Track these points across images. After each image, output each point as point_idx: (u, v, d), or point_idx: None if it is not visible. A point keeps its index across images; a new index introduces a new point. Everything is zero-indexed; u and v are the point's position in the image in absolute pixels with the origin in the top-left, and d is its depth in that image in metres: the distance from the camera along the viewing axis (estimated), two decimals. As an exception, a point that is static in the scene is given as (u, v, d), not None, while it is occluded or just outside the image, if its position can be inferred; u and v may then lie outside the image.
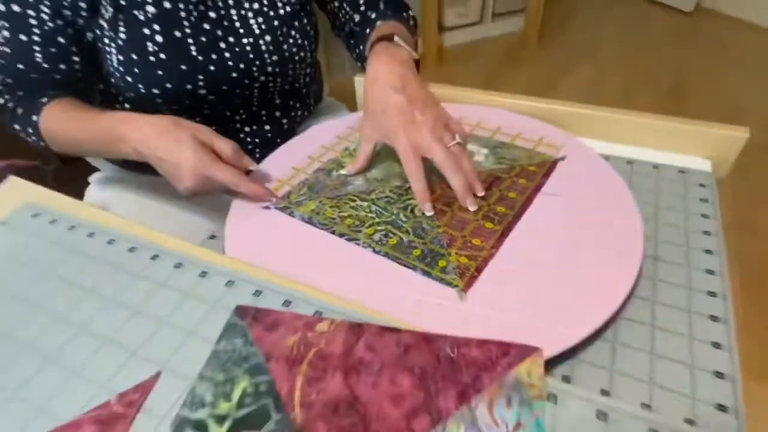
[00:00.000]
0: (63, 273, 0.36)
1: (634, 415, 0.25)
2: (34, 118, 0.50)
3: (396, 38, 0.50)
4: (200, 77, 0.51)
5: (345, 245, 0.40)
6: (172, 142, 0.42)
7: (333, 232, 0.41)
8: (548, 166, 0.47)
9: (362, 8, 0.60)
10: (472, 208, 0.42)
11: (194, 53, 0.50)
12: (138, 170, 0.64)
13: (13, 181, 0.47)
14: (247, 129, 0.61)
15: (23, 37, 0.48)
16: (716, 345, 0.33)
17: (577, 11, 2.76)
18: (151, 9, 0.47)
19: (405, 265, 0.37)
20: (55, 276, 0.35)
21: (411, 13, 0.62)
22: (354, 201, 0.45)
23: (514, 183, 0.45)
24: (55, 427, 0.26)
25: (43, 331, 0.31)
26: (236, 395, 0.26)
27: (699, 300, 0.36)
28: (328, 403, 0.25)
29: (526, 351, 0.27)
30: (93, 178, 0.69)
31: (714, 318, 0.35)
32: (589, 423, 0.24)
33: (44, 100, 0.50)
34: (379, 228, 0.41)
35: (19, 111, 0.51)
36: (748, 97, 1.92)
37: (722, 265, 0.39)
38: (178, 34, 0.48)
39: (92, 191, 0.64)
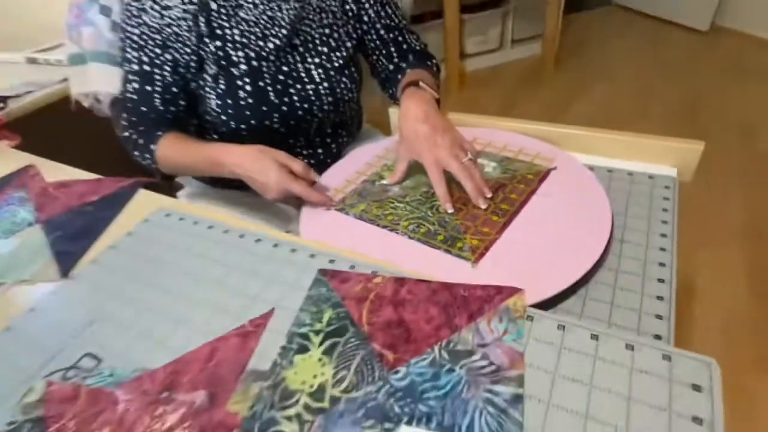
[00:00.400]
0: (195, 251, 0.51)
1: (582, 326, 0.38)
2: (152, 147, 0.67)
3: (421, 83, 0.65)
4: (275, 115, 0.68)
5: (388, 234, 0.55)
6: (260, 165, 0.59)
7: (378, 225, 0.56)
8: (543, 175, 0.61)
9: (395, 59, 0.77)
10: (482, 206, 0.56)
11: (272, 98, 0.67)
12: (218, 186, 0.81)
13: (144, 192, 0.64)
14: (305, 152, 0.77)
15: (148, 88, 0.66)
16: (660, 300, 0.45)
17: (592, 34, 2.89)
18: (243, 67, 0.65)
19: (432, 247, 0.52)
20: (189, 253, 0.51)
21: (435, 61, 0.78)
22: (393, 203, 0.60)
23: (515, 187, 0.59)
24: (208, 342, 0.41)
25: (192, 286, 0.47)
26: (325, 319, 0.41)
27: (651, 270, 0.48)
28: (383, 323, 0.40)
29: (514, 291, 0.41)
30: (181, 193, 0.86)
31: (660, 280, 0.47)
32: (552, 332, 0.38)
33: (159, 133, 0.68)
34: (413, 221, 0.56)
35: (140, 141, 0.68)
36: (760, 113, 1.99)
37: (673, 244, 0.51)
38: (261, 84, 0.66)
39: (182, 202, 0.82)
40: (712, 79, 2.28)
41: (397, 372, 0.36)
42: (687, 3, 2.74)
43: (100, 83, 0.87)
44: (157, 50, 0.64)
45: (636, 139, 0.64)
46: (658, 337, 0.42)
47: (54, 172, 0.72)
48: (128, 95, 0.67)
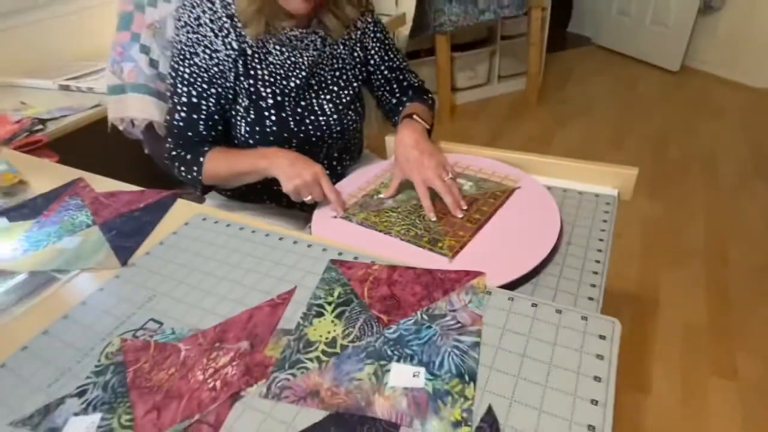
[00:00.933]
0: (230, 247, 0.64)
1: (525, 298, 0.51)
2: (201, 159, 0.80)
3: (415, 116, 0.81)
4: (294, 141, 0.82)
5: (384, 236, 0.68)
6: (303, 161, 0.74)
7: (376, 230, 0.70)
8: (509, 192, 0.76)
9: (397, 94, 0.93)
10: (459, 216, 0.70)
11: (292, 127, 0.81)
12: (238, 199, 0.95)
13: (181, 201, 0.77)
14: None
15: (194, 116, 0.80)
16: (593, 287, 0.59)
17: (573, 72, 3.12)
18: (270, 101, 0.79)
19: (418, 246, 0.65)
20: (225, 248, 0.64)
21: (430, 95, 0.94)
22: (388, 213, 0.73)
23: (486, 201, 0.74)
24: (246, 309, 0.54)
25: (230, 271, 0.60)
26: (335, 294, 0.54)
27: (589, 265, 0.62)
28: (380, 297, 0.53)
29: (477, 274, 0.54)
30: (205, 204, 1.00)
31: (595, 272, 0.61)
32: (504, 302, 0.51)
33: (205, 149, 0.81)
34: (403, 227, 0.70)
35: (188, 157, 0.81)
36: (721, 145, 2.18)
37: (607, 248, 0.65)
38: (283, 115, 0.80)
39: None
40: (680, 114, 2.48)
41: (389, 328, 0.49)
42: (659, 45, 2.98)
43: (136, 111, 1.01)
44: (204, 85, 0.78)
45: (585, 165, 0.79)
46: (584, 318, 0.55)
47: (95, 183, 0.85)
48: (176, 122, 0.80)
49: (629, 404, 1.17)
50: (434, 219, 0.70)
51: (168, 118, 0.82)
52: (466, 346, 0.46)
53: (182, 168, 0.82)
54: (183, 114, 0.80)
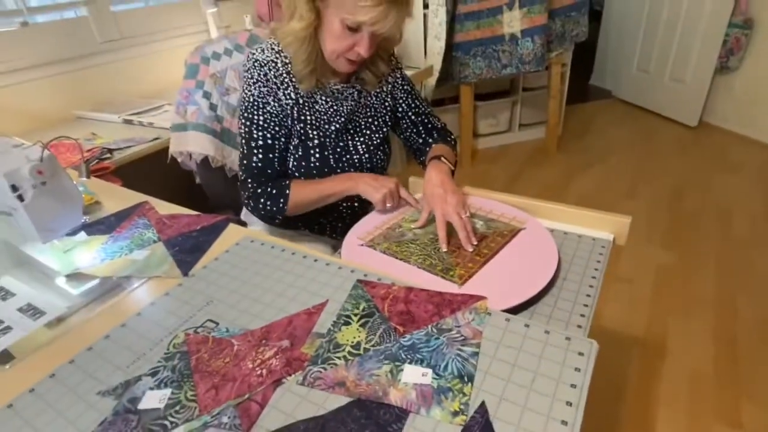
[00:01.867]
0: (273, 265, 0.76)
1: (519, 319, 0.61)
2: (287, 191, 0.94)
3: (442, 158, 0.95)
4: (331, 175, 0.96)
5: (403, 264, 0.79)
6: (382, 176, 0.94)
7: (396, 258, 0.81)
8: (515, 232, 0.86)
9: (423, 136, 1.08)
10: (469, 249, 0.81)
11: (332, 163, 0.96)
12: (278, 226, 1.08)
13: (232, 226, 0.90)
14: (345, 204, 1.04)
15: (270, 155, 0.95)
16: (582, 317, 0.68)
17: (592, 123, 3.24)
18: (315, 141, 0.94)
19: (433, 273, 0.76)
20: (269, 266, 0.76)
21: (453, 137, 1.09)
22: (407, 244, 0.85)
23: (495, 239, 0.84)
24: (287, 316, 0.65)
25: (273, 285, 0.71)
26: (361, 307, 0.65)
27: (580, 298, 0.71)
28: (397, 312, 0.63)
29: (480, 298, 0.64)
30: (250, 228, 1.13)
31: (585, 305, 0.70)
32: (501, 321, 0.61)
33: (286, 182, 0.96)
34: (420, 256, 0.81)
35: (274, 192, 0.95)
36: (736, 199, 2.23)
37: (598, 284, 0.74)
38: (325, 153, 0.95)
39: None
40: (696, 168, 2.55)
41: (404, 337, 0.59)
42: (678, 100, 3.09)
43: (195, 146, 1.17)
44: (276, 128, 0.93)
45: (585, 212, 0.89)
46: (568, 339, 0.64)
47: (158, 206, 0.99)
48: (254, 164, 0.95)
49: (632, 444, 1.21)
50: (445, 249, 0.81)
51: (245, 162, 0.95)
52: (467, 355, 0.56)
53: (268, 202, 0.95)
54: (261, 155, 0.94)
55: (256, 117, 0.93)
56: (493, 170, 2.71)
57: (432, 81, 2.40)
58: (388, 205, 0.91)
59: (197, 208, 0.99)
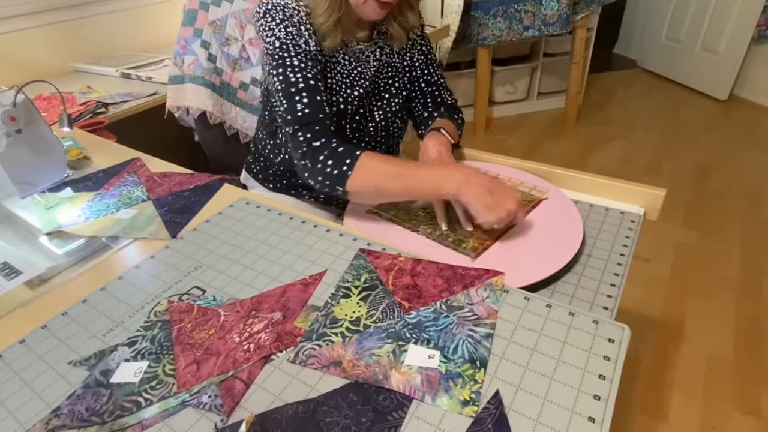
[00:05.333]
0: (269, 230, 0.70)
1: (540, 298, 0.54)
2: (357, 154, 0.71)
3: (442, 130, 0.84)
4: (353, 140, 0.87)
5: (410, 233, 0.72)
6: (500, 188, 0.67)
7: (403, 227, 0.74)
8: (536, 202, 0.78)
9: (430, 109, 0.96)
10: (469, 229, 0.71)
11: (348, 133, 0.85)
12: (284, 191, 0.99)
13: (228, 186, 0.83)
14: None
15: (317, 97, 0.75)
16: (609, 298, 0.61)
17: (615, 94, 3.08)
18: (334, 108, 0.81)
19: (443, 245, 0.69)
20: (265, 231, 0.70)
21: (461, 115, 0.97)
22: (416, 212, 0.77)
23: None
24: (281, 285, 0.58)
25: (268, 252, 0.65)
26: (362, 279, 0.58)
27: (607, 277, 0.64)
28: (403, 285, 0.57)
29: (496, 273, 0.57)
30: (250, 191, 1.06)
31: (612, 285, 0.63)
32: (520, 300, 0.54)
33: (357, 146, 0.78)
34: (429, 226, 0.73)
35: (341, 149, 0.72)
36: (765, 178, 2.11)
37: (627, 262, 0.67)
38: (342, 123, 0.83)
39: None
40: (725, 145, 2.42)
41: (410, 314, 0.53)
42: (708, 72, 2.91)
43: (193, 100, 1.10)
44: (316, 69, 0.76)
45: (613, 182, 0.80)
46: (606, 308, 0.57)
47: (150, 163, 0.92)
48: (300, 111, 0.74)
49: (642, 428, 1.16)
50: (445, 228, 0.73)
51: (289, 115, 0.75)
52: (480, 336, 0.49)
53: (329, 161, 0.71)
54: (306, 99, 0.75)
55: (289, 60, 0.75)
56: (509, 140, 2.59)
57: (448, 42, 2.27)
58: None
59: (197, 167, 0.92)
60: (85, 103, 1.31)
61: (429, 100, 0.97)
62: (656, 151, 2.40)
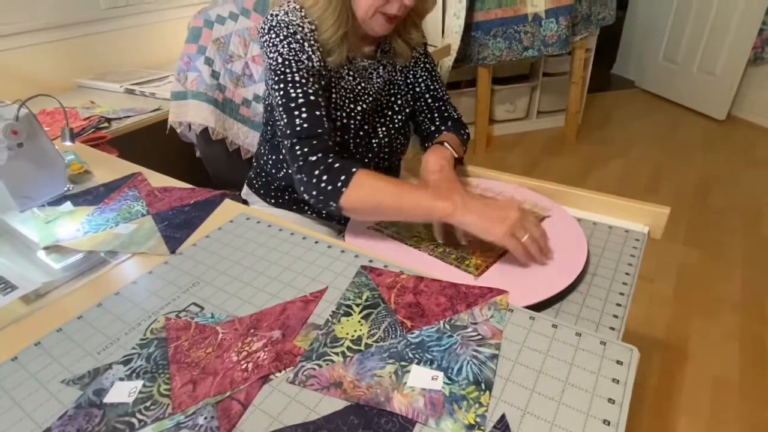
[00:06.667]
0: (269, 246, 0.69)
1: (546, 318, 0.53)
2: (353, 171, 0.70)
3: (446, 144, 0.84)
4: (357, 156, 0.87)
5: (413, 250, 0.71)
6: (495, 203, 0.68)
7: (405, 243, 0.73)
8: (539, 220, 0.77)
9: (437, 123, 0.96)
10: (462, 243, 0.71)
11: (351, 148, 0.85)
12: (285, 207, 0.99)
13: (228, 201, 0.83)
14: None
15: (317, 112, 0.75)
16: (615, 318, 0.60)
17: (614, 113, 3.10)
18: (338, 123, 0.82)
19: (446, 262, 0.68)
20: (265, 247, 0.69)
21: (466, 130, 0.96)
22: (418, 228, 0.77)
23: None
24: (280, 303, 0.57)
25: (268, 268, 0.64)
26: (363, 297, 0.57)
27: (612, 296, 0.63)
28: (405, 303, 0.56)
29: (501, 291, 0.56)
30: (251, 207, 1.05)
31: (618, 304, 0.62)
32: (525, 320, 0.53)
33: (354, 163, 0.72)
34: (432, 243, 0.72)
35: (336, 165, 0.71)
36: (765, 197, 2.11)
37: (632, 282, 0.66)
38: (346, 137, 0.83)
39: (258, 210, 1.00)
40: (723, 164, 2.42)
41: (412, 333, 0.52)
42: (705, 93, 2.94)
43: (195, 116, 1.10)
44: (316, 85, 0.76)
45: (617, 200, 0.80)
46: (612, 328, 0.56)
47: (151, 178, 0.92)
48: (299, 126, 0.74)
49: (649, 453, 1.13)
50: (441, 241, 0.72)
51: (288, 130, 0.75)
52: (484, 357, 0.48)
53: (324, 176, 0.71)
54: (305, 114, 0.74)
55: (290, 75, 0.75)
56: (509, 158, 2.60)
57: (449, 62, 2.29)
58: (523, 239, 0.65)
59: (198, 182, 0.91)
60: (88, 118, 1.32)
61: (436, 114, 0.97)
62: (655, 170, 2.41)
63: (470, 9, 2.20)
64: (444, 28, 2.25)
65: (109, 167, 0.99)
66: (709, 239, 1.88)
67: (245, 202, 1.05)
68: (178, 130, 1.15)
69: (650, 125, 2.93)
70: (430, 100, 0.97)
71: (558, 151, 2.65)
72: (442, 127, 0.96)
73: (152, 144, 1.33)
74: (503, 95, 2.73)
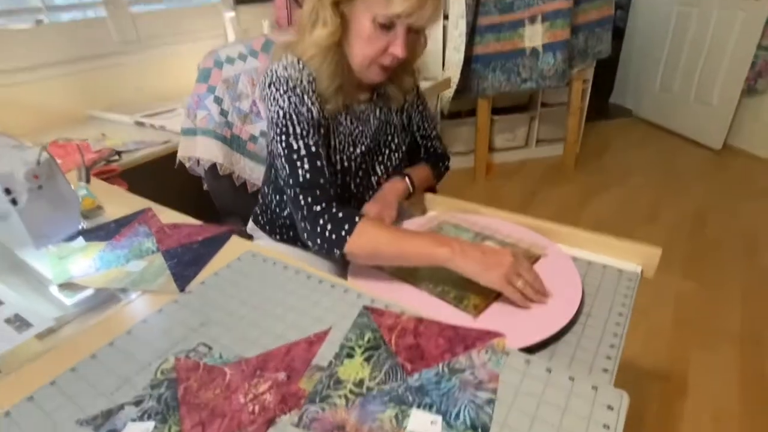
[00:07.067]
0: (275, 284, 0.72)
1: (541, 362, 0.55)
2: (356, 218, 0.74)
3: (406, 177, 0.94)
4: (351, 200, 0.91)
5: (413, 289, 0.74)
6: (492, 250, 0.70)
7: (406, 282, 0.76)
8: (535, 259, 0.80)
9: (421, 156, 1.05)
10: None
11: (352, 188, 0.90)
12: (290, 243, 1.02)
13: (235, 238, 0.86)
14: None
15: (318, 163, 0.79)
16: (608, 359, 0.62)
17: (612, 142, 3.16)
18: (338, 166, 0.87)
19: (445, 301, 0.71)
20: (271, 285, 0.72)
21: (446, 163, 1.05)
22: (418, 268, 0.79)
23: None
24: (286, 343, 0.60)
25: (274, 308, 0.66)
26: (366, 338, 0.59)
27: (606, 338, 0.65)
28: (406, 345, 0.58)
29: (498, 334, 0.59)
30: (255, 242, 1.08)
31: (612, 346, 0.64)
32: (520, 364, 0.55)
33: (356, 212, 0.77)
34: (432, 281, 0.75)
35: (340, 214, 0.75)
36: (762, 227, 2.14)
37: (625, 323, 0.68)
38: (347, 179, 0.88)
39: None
40: (720, 193, 2.46)
41: (412, 376, 0.54)
42: (702, 123, 3.00)
43: (204, 152, 1.14)
44: (316, 136, 0.80)
45: (611, 240, 0.83)
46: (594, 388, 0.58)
47: (161, 214, 0.95)
48: (302, 176, 0.78)
49: (650, 489, 1.13)
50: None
51: (291, 180, 0.79)
52: (481, 401, 0.50)
53: (329, 225, 0.75)
54: (307, 165, 0.79)
55: (292, 128, 0.80)
56: (508, 186, 2.64)
57: (449, 93, 2.36)
58: (518, 284, 0.68)
59: (205, 213, 0.95)
60: (99, 151, 1.36)
61: (423, 150, 1.06)
62: (654, 199, 2.44)
63: (470, 43, 2.28)
64: (444, 61, 2.33)
65: (119, 202, 1.02)
66: (707, 270, 1.90)
67: (251, 237, 1.08)
68: (187, 165, 1.19)
69: (648, 154, 2.98)
70: (419, 138, 1.05)
71: (557, 179, 2.70)
72: (422, 161, 1.05)
73: (161, 176, 1.37)
74: (503, 125, 2.79)
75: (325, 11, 0.78)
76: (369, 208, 0.91)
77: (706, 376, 1.43)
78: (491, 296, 0.71)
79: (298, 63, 0.82)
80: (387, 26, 0.77)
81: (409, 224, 0.94)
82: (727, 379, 1.41)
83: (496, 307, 0.69)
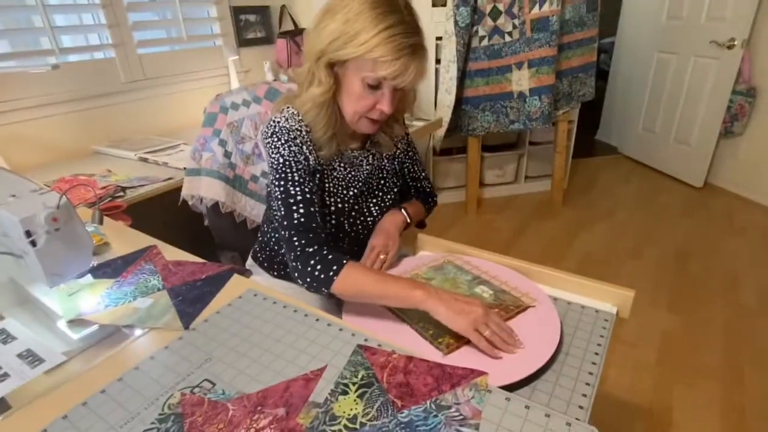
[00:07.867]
0: (274, 322, 0.76)
1: (520, 400, 0.60)
2: (344, 261, 0.81)
3: (402, 209, 1.02)
4: (346, 239, 0.97)
5: (402, 325, 0.79)
6: (464, 298, 0.76)
7: (397, 315, 0.81)
8: (522, 309, 0.85)
9: (411, 194, 1.13)
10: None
11: (346, 227, 0.96)
12: (288, 279, 1.07)
13: (236, 277, 0.91)
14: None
15: (312, 209, 0.87)
16: (584, 397, 0.67)
17: (598, 178, 3.27)
18: (332, 208, 0.94)
19: (422, 336, 0.76)
20: (271, 323, 0.76)
21: (434, 199, 1.16)
22: (410, 306, 0.85)
23: (499, 313, 0.84)
24: (284, 380, 0.64)
25: (273, 345, 0.71)
26: (359, 375, 0.64)
27: (582, 375, 0.70)
28: (396, 383, 0.63)
29: (481, 373, 0.64)
30: (253, 278, 1.13)
31: (587, 384, 0.69)
32: (501, 401, 0.60)
33: (344, 255, 0.83)
34: (417, 315, 0.80)
35: (330, 257, 0.82)
36: (743, 264, 2.22)
37: (600, 361, 0.73)
38: (341, 219, 0.95)
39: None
40: (702, 230, 2.55)
41: (402, 413, 0.58)
42: (683, 161, 3.13)
43: (208, 191, 1.20)
44: (312, 184, 0.88)
45: (588, 282, 0.89)
46: (568, 424, 0.63)
47: (165, 251, 1.00)
48: (297, 220, 0.86)
49: None
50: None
51: (285, 222, 0.87)
52: (464, 436, 0.55)
53: (318, 266, 0.82)
54: (302, 210, 0.87)
55: (290, 175, 0.88)
56: (498, 220, 2.72)
57: (441, 132, 2.46)
58: (485, 333, 0.73)
59: (203, 247, 1.00)
60: (105, 187, 1.42)
61: (412, 191, 1.16)
62: (639, 234, 2.53)
63: (460, 85, 2.40)
64: (437, 102, 2.44)
65: (125, 238, 1.07)
66: (690, 306, 1.96)
67: (250, 272, 1.13)
68: (190, 203, 1.25)
69: (633, 190, 3.09)
70: (409, 181, 1.14)
71: (545, 214, 2.78)
72: (414, 197, 1.16)
73: (164, 211, 1.42)
74: (492, 161, 2.89)
75: (320, 72, 0.86)
76: (375, 241, 0.99)
77: (689, 411, 1.46)
78: (463, 340, 0.76)
79: (297, 115, 0.91)
80: (374, 86, 0.85)
81: (417, 260, 1.01)
82: (709, 416, 1.45)
83: (469, 349, 0.74)
